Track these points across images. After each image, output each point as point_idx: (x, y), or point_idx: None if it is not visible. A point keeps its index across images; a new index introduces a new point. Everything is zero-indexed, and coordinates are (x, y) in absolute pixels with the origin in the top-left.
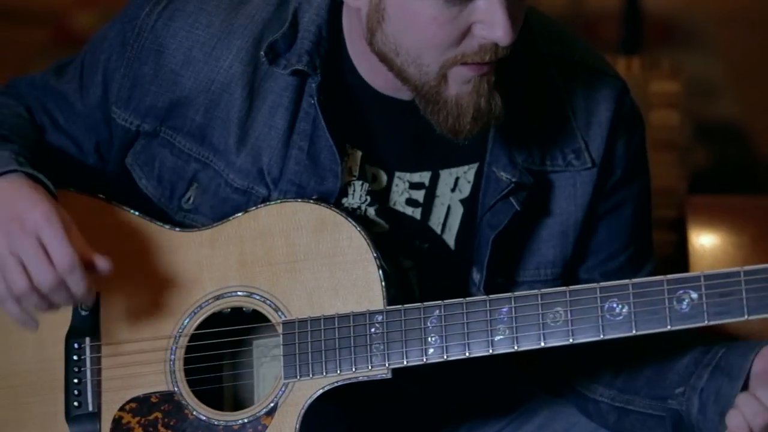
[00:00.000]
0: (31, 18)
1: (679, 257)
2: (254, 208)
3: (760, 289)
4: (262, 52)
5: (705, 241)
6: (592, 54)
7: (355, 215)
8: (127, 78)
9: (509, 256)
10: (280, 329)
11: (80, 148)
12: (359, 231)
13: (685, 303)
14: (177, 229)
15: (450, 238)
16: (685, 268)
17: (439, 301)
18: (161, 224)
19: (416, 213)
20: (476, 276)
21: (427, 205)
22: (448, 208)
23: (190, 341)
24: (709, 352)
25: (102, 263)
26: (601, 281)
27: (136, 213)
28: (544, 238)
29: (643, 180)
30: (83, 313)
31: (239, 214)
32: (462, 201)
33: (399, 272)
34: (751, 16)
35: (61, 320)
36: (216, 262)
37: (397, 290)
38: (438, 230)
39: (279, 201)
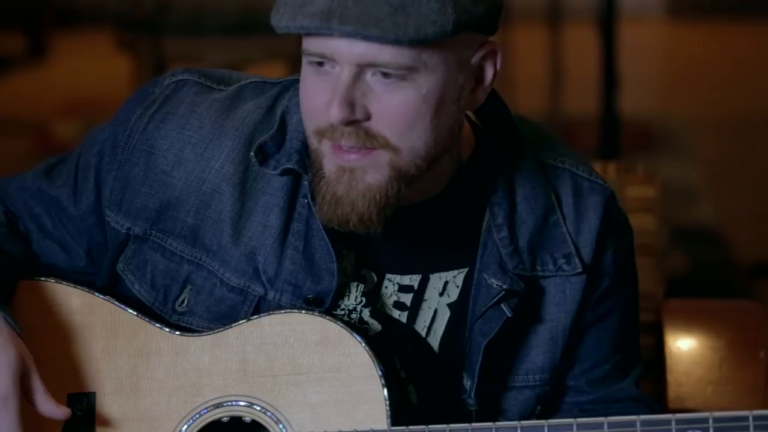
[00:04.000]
0: (14, 127)
1: (656, 361)
2: (257, 316)
3: None
4: (252, 153)
5: (681, 345)
6: (581, 161)
7: (357, 328)
8: (118, 180)
9: (500, 363)
10: None
11: (68, 253)
12: (365, 347)
13: None
14: (177, 332)
15: (434, 341)
16: (662, 372)
17: (445, 426)
18: (161, 326)
19: (402, 316)
20: (467, 382)
21: (414, 309)
22: (435, 311)
23: None
24: None
25: (60, 414)
26: (587, 389)
27: (135, 313)
28: (533, 344)
29: (631, 289)
30: (78, 413)
31: (242, 321)
32: (449, 305)
33: (393, 373)
34: (726, 122)
35: (54, 420)
36: (217, 369)
37: (395, 392)
38: (423, 333)
39: (284, 311)
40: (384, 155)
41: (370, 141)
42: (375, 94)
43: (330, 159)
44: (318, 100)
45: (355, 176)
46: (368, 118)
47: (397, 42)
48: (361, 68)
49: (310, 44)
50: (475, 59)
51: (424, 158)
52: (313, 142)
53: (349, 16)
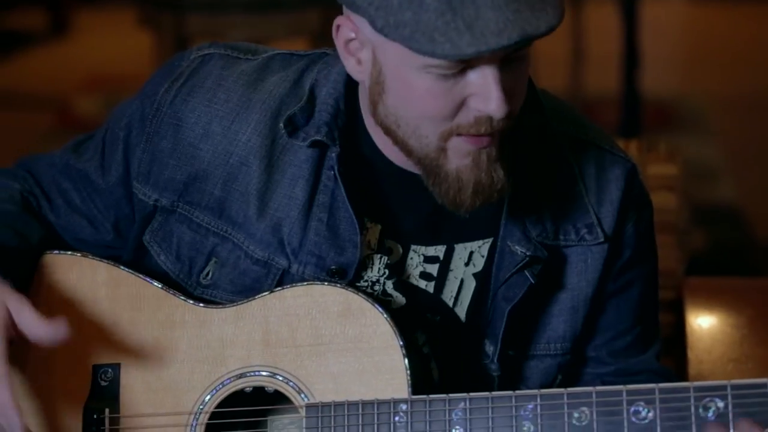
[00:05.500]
0: (35, 103)
1: (677, 338)
2: (280, 288)
3: None
4: (281, 124)
5: (702, 323)
6: (603, 135)
7: (380, 300)
8: (146, 153)
9: (522, 330)
10: (303, 412)
11: (95, 228)
12: (386, 318)
13: (711, 411)
14: (201, 304)
15: (461, 311)
16: (683, 349)
17: (465, 394)
18: (185, 298)
19: (429, 286)
20: (489, 348)
21: (441, 279)
22: (461, 281)
23: (210, 418)
24: None
25: (58, 332)
26: (608, 360)
27: (159, 285)
28: (555, 312)
29: (651, 261)
30: (103, 383)
31: (265, 293)
32: (475, 275)
33: (415, 346)
34: (748, 100)
35: (79, 389)
36: (240, 340)
37: (417, 367)
38: (450, 303)
39: (306, 283)
40: (504, 129)
41: (509, 120)
42: (511, 76)
43: (458, 152)
44: (450, 104)
45: (491, 157)
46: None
47: (560, 22)
48: (503, 61)
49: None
50: None
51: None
52: (431, 142)
53: (529, 19)
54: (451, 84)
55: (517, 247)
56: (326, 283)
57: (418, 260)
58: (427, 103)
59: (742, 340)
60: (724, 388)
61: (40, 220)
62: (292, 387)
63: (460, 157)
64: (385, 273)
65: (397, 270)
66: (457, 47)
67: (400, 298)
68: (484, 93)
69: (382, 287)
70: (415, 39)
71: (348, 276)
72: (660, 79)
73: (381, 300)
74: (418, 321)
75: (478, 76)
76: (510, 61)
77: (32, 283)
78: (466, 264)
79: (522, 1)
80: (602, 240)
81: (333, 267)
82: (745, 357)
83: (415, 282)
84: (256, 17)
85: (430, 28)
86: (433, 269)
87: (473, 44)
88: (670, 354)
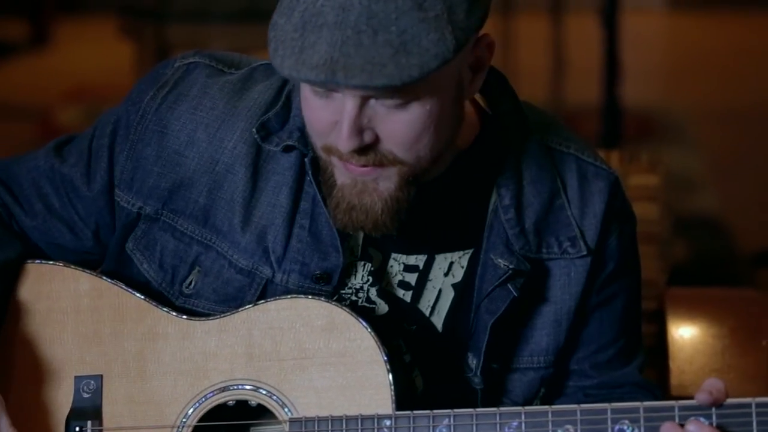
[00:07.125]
0: (17, 113)
1: (658, 348)
2: (263, 301)
3: None
4: (254, 129)
5: (684, 333)
6: (586, 146)
7: (364, 310)
8: (130, 160)
9: (505, 343)
10: (287, 427)
11: (75, 234)
12: (370, 332)
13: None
14: (183, 316)
15: (438, 321)
16: (664, 359)
17: (449, 411)
18: (168, 310)
19: (407, 296)
20: (472, 361)
21: (419, 288)
22: (439, 291)
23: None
24: None
25: None
26: (591, 373)
27: (142, 297)
28: (538, 325)
29: (635, 274)
30: (85, 395)
31: (249, 305)
32: (453, 285)
33: (398, 356)
34: (728, 111)
35: (61, 401)
36: (223, 353)
37: (400, 378)
38: (426, 313)
39: (290, 296)
40: (393, 168)
41: (380, 160)
42: (380, 117)
43: (341, 171)
44: (323, 120)
45: (367, 187)
46: (377, 140)
47: (403, 85)
48: (366, 97)
49: None
50: (471, 57)
51: (431, 160)
52: (321, 154)
53: (353, 67)
54: (324, 102)
55: (500, 260)
56: (310, 297)
57: (398, 269)
58: (307, 112)
59: (723, 351)
60: (708, 408)
61: (13, 231)
62: (276, 401)
63: (342, 175)
64: (369, 280)
65: (379, 278)
66: (282, 65)
67: (383, 306)
68: (339, 123)
69: (366, 294)
70: (271, 42)
71: (333, 281)
72: (641, 90)
73: (365, 309)
74: (398, 329)
75: (339, 104)
76: (383, 101)
77: (13, 294)
78: (446, 274)
79: (365, 46)
80: (585, 253)
81: (317, 272)
82: (727, 367)
83: (393, 291)
84: (238, 27)
85: (282, 38)
86: (412, 278)
87: (292, 68)
88: (652, 364)
